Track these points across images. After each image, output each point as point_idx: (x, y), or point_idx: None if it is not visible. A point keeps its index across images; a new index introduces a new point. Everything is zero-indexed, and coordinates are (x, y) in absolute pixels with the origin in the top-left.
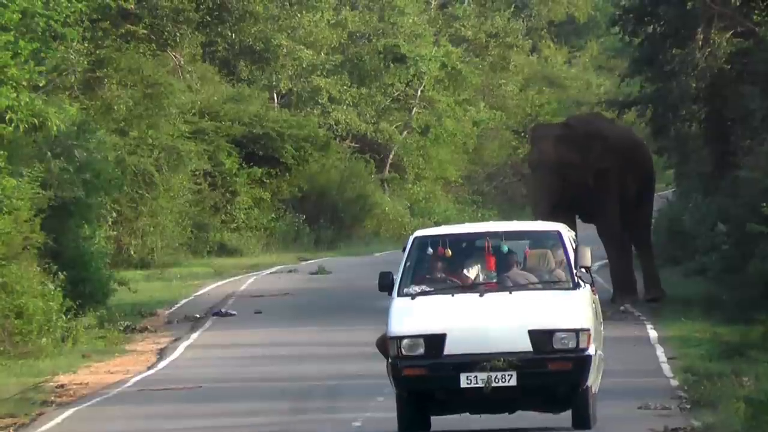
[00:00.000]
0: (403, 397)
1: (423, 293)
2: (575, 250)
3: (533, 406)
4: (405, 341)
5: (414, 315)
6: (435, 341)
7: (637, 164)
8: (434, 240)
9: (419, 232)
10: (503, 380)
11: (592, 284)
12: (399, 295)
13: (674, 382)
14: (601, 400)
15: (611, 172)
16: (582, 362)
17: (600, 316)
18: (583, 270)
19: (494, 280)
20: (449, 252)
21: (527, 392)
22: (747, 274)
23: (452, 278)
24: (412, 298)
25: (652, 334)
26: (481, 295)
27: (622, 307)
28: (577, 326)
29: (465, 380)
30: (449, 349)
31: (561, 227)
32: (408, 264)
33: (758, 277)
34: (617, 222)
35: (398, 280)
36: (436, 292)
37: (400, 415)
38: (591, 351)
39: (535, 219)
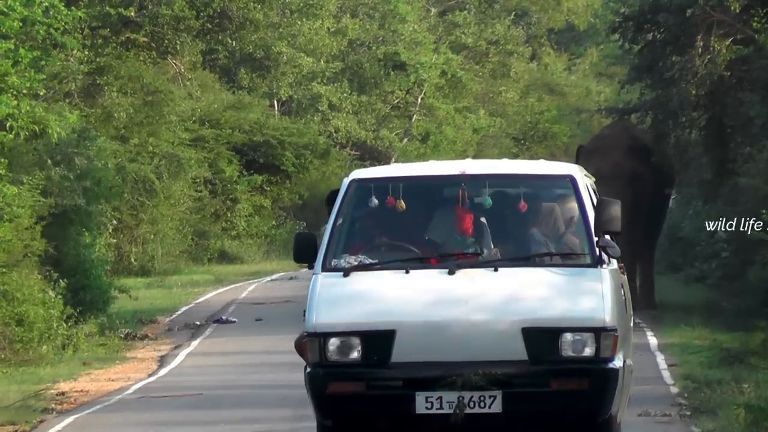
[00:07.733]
0: (325, 427)
1: (361, 267)
2: (598, 206)
3: None
4: (332, 341)
5: (346, 300)
6: (378, 341)
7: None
8: (381, 185)
9: (358, 173)
10: (482, 404)
11: (619, 259)
12: (324, 269)
13: (674, 389)
14: None
15: (648, 181)
16: (604, 379)
17: (630, 308)
18: (607, 238)
19: (471, 250)
20: (403, 204)
21: (517, 423)
22: (747, 282)
23: (406, 245)
24: (345, 275)
25: (653, 341)
26: (450, 273)
27: None
28: (598, 323)
29: (423, 403)
30: (400, 354)
31: (575, 170)
32: (339, 222)
33: (758, 284)
34: (641, 230)
35: (324, 245)
36: (382, 265)
37: None
38: (617, 362)
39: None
